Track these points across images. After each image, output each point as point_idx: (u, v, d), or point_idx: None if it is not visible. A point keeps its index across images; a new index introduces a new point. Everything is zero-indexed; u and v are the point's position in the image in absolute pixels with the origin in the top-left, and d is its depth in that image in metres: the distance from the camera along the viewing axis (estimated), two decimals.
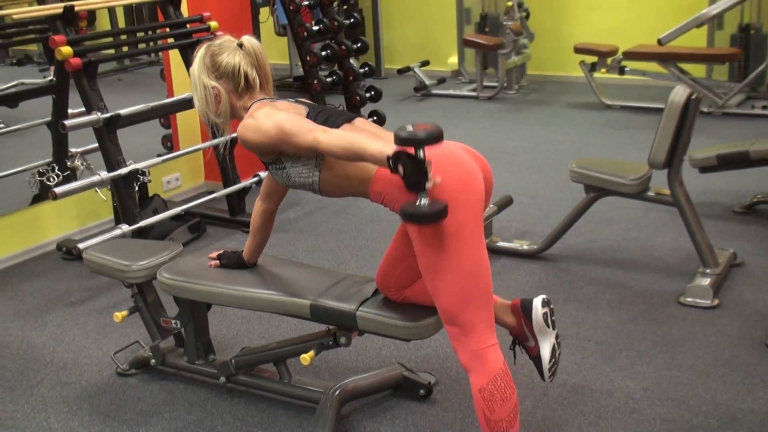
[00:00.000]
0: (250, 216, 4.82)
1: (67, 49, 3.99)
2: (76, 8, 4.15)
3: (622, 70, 7.11)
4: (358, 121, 2.56)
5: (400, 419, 2.93)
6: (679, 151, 3.73)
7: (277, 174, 2.55)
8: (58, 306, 3.99)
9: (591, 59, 7.29)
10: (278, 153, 2.48)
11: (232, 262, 2.98)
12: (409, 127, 2.14)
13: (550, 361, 2.61)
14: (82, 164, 5.00)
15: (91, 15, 7.72)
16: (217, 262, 2.99)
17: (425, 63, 8.60)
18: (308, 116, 2.49)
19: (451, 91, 8.31)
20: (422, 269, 2.35)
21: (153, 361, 3.27)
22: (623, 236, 4.46)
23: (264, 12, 7.47)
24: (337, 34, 5.81)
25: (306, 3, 5.72)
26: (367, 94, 6.00)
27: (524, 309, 2.62)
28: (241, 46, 2.62)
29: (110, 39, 5.17)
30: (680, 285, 3.78)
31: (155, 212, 4.61)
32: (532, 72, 8.60)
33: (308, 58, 5.55)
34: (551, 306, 2.64)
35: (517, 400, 2.35)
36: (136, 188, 4.55)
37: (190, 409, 3.06)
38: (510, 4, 7.95)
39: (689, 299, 3.65)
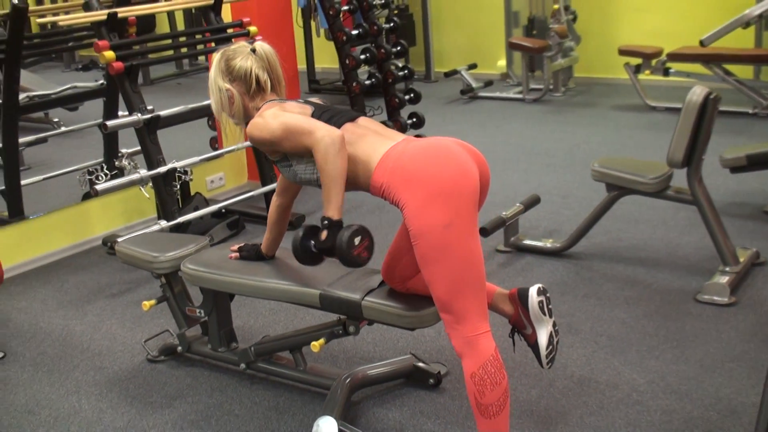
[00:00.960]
0: (291, 214, 5.05)
1: (110, 54, 4.21)
2: (120, 15, 4.36)
3: (666, 72, 7.11)
4: (362, 120, 2.69)
5: (408, 406, 3.05)
6: (698, 150, 3.78)
7: (284, 171, 2.70)
8: (99, 297, 4.21)
9: (636, 61, 7.30)
10: (285, 151, 2.62)
11: (251, 254, 3.13)
12: (356, 240, 2.48)
13: (547, 348, 2.70)
14: (128, 164, 5.24)
15: (151, 21, 8.04)
16: (237, 254, 3.15)
17: (472, 66, 8.70)
18: (313, 115, 2.63)
19: (497, 94, 8.39)
20: (418, 259, 2.46)
21: (180, 348, 3.45)
22: (650, 235, 4.50)
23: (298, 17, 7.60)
24: (376, 38, 5.94)
25: (345, 8, 5.88)
26: (407, 97, 6.11)
27: (521, 297, 2.72)
28: (253, 51, 2.77)
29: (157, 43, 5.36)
30: (700, 283, 3.82)
31: (196, 210, 4.81)
32: (579, 74, 8.62)
33: (347, 62, 5.70)
34: (547, 295, 2.73)
35: (508, 386, 2.45)
36: (177, 187, 4.76)
37: (211, 394, 3.23)
38: (556, 7, 8.00)
39: (706, 297, 3.69)
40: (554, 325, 2.74)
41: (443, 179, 2.37)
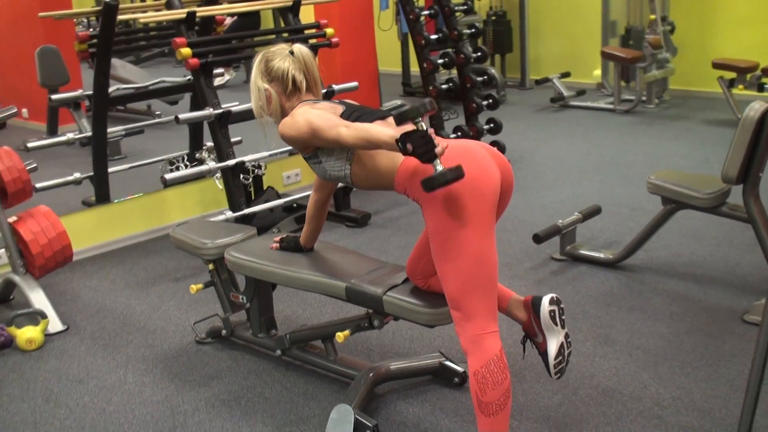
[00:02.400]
0: (354, 211, 5.19)
1: (186, 50, 4.43)
2: (199, 14, 4.57)
3: (761, 87, 6.92)
4: (392, 119, 2.77)
5: (430, 403, 3.12)
6: (755, 166, 3.70)
7: (315, 168, 2.81)
8: (164, 281, 4.43)
9: (730, 75, 7.13)
10: (314, 148, 2.74)
11: (290, 245, 3.26)
12: (397, 102, 2.36)
13: (556, 358, 2.73)
14: (208, 156, 5.47)
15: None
16: (278, 245, 3.29)
17: (565, 74, 8.65)
18: (343, 114, 2.74)
19: (588, 103, 8.31)
20: (433, 256, 2.53)
21: (224, 331, 3.62)
22: (710, 252, 4.42)
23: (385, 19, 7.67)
24: (456, 43, 6.00)
25: (426, 13, 5.97)
26: (485, 102, 6.15)
27: (534, 306, 2.76)
28: (291, 53, 2.89)
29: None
30: (751, 303, 3.75)
31: (266, 203, 4.99)
32: (675, 87, 8.45)
33: (425, 65, 5.79)
34: (561, 305, 2.76)
35: (510, 387, 2.49)
36: (249, 180, 4.95)
37: (247, 376, 3.38)
38: (653, 17, 7.87)
39: (752, 317, 3.62)
40: (566, 336, 2.76)
41: (464, 180, 2.43)
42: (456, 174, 2.32)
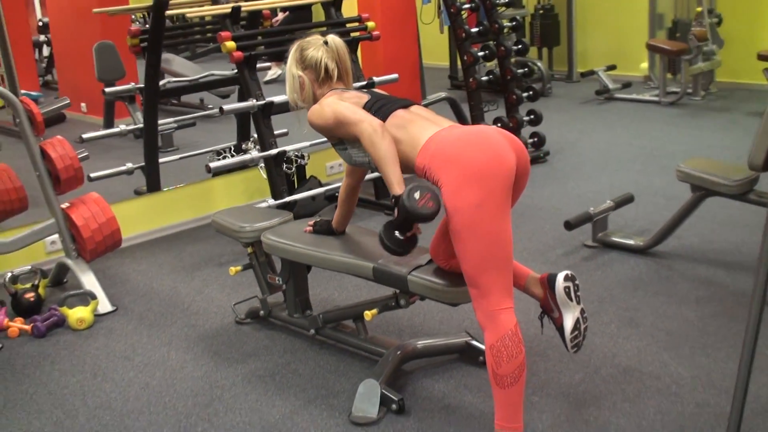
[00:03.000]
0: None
1: (231, 44, 4.61)
2: (243, 9, 4.76)
3: None
4: (415, 107, 2.91)
5: (455, 379, 3.25)
6: None
7: (341, 154, 2.96)
8: (208, 265, 4.63)
9: None
10: (339, 137, 2.89)
11: (323, 229, 3.42)
12: (417, 195, 2.56)
13: (572, 333, 2.84)
14: (253, 146, 5.66)
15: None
16: (312, 228, 3.44)
17: (611, 67, 8.68)
18: (368, 102, 2.88)
19: (634, 96, 8.33)
20: (451, 235, 2.66)
21: (262, 312, 3.79)
22: (743, 240, 4.47)
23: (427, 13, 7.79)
24: (498, 36, 6.10)
25: (467, 6, 6.08)
26: (525, 94, 6.24)
27: (549, 282, 2.87)
28: (326, 43, 3.05)
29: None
30: None
31: (308, 191, 5.15)
32: (723, 79, 8.42)
33: (465, 58, 5.91)
34: (576, 282, 2.87)
35: (524, 361, 2.60)
36: (293, 169, 5.13)
37: (282, 354, 3.55)
38: (699, 9, 7.87)
39: None
40: (582, 312, 2.87)
41: (478, 163, 2.56)
42: (397, 249, 2.68)
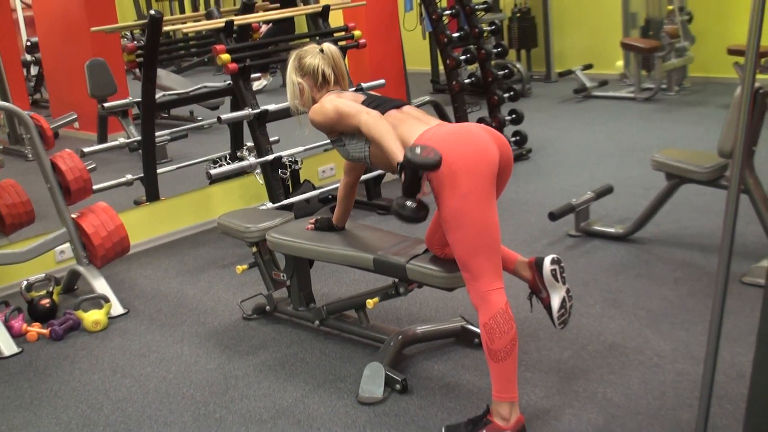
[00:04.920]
0: (385, 200, 5.57)
1: (226, 56, 4.85)
2: (236, 22, 4.99)
3: None
4: (406, 108, 3.15)
5: (453, 360, 3.49)
6: (749, 141, 4.02)
7: (340, 150, 3.20)
8: (212, 268, 4.85)
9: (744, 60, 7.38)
10: (339, 132, 3.13)
11: (324, 226, 3.66)
12: (418, 150, 2.71)
13: (559, 311, 3.09)
14: (248, 155, 5.89)
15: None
16: (313, 226, 3.68)
17: (588, 66, 8.97)
18: (364, 102, 3.12)
19: (610, 93, 8.63)
20: (443, 225, 2.89)
21: (268, 307, 4.02)
22: (717, 224, 4.72)
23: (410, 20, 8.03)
24: (478, 40, 6.36)
25: (448, 12, 6.33)
26: (506, 95, 6.50)
27: (537, 265, 3.12)
28: (321, 51, 3.29)
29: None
30: (749, 267, 4.06)
31: (303, 194, 5.38)
32: (695, 74, 8.73)
33: (448, 62, 6.16)
34: (561, 264, 3.12)
35: (516, 336, 2.83)
36: (287, 174, 5.36)
37: (290, 345, 3.78)
38: (671, 8, 8.16)
39: (749, 279, 3.94)
40: (568, 291, 3.12)
41: (464, 157, 2.80)
42: (410, 217, 2.78)
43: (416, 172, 2.72)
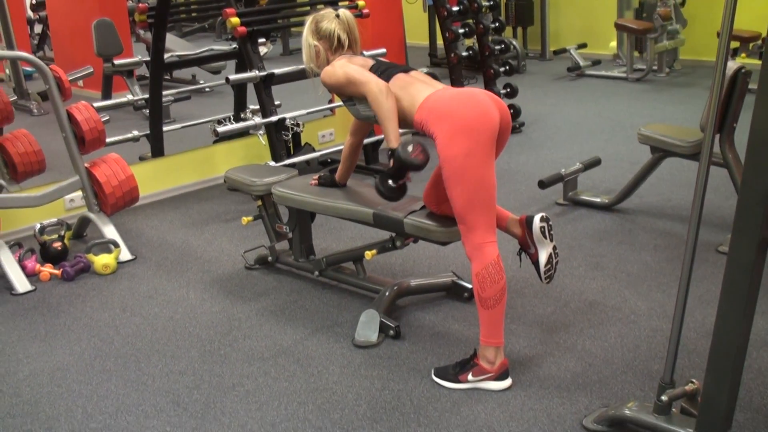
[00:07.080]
0: (381, 164, 5.79)
1: (235, 20, 5.04)
2: None
3: (762, 56, 7.39)
4: (414, 72, 3.36)
5: (444, 312, 3.74)
6: (729, 118, 4.26)
7: (351, 109, 3.42)
8: (216, 221, 5.08)
9: (734, 44, 7.63)
10: (348, 95, 3.35)
11: (327, 182, 3.87)
12: (410, 148, 3.02)
13: (545, 266, 3.32)
14: (251, 116, 6.09)
15: None
16: (317, 182, 3.90)
17: (582, 45, 9.19)
18: (373, 66, 3.34)
19: (603, 72, 8.86)
20: (444, 180, 3.10)
21: (270, 258, 4.25)
22: None
23: None
24: (476, 14, 6.57)
25: None
26: (502, 69, 6.72)
27: (527, 222, 3.35)
28: (338, 16, 3.49)
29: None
30: (725, 237, 4.31)
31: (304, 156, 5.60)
32: (686, 57, 8.97)
33: (447, 35, 6.37)
34: (549, 223, 3.35)
35: (505, 285, 3.07)
36: (289, 136, 5.57)
37: (290, 293, 4.01)
38: None
39: (724, 248, 4.18)
40: (554, 248, 3.35)
41: (467, 117, 3.01)
42: (390, 195, 3.19)
43: (395, 156, 3.04)
